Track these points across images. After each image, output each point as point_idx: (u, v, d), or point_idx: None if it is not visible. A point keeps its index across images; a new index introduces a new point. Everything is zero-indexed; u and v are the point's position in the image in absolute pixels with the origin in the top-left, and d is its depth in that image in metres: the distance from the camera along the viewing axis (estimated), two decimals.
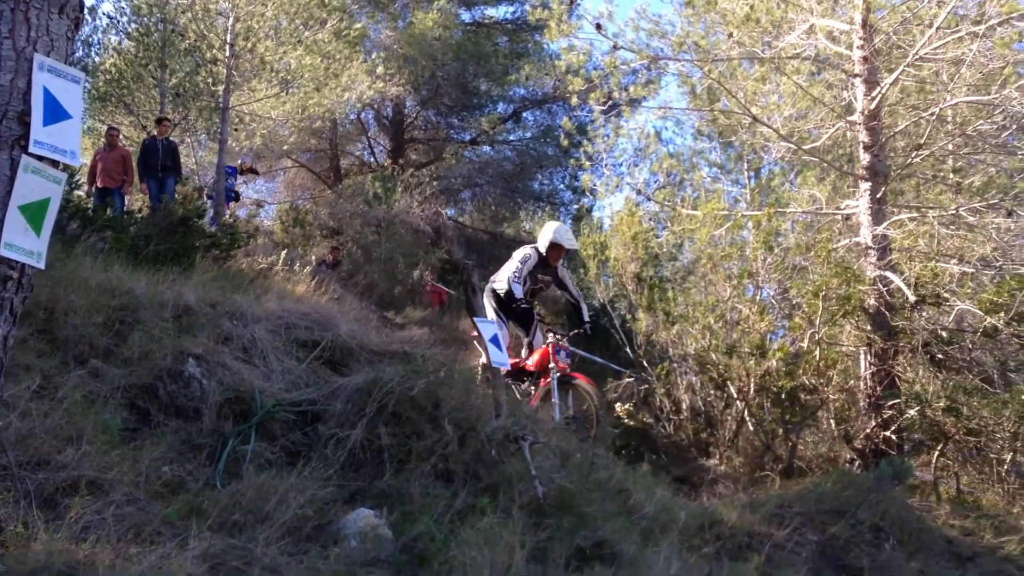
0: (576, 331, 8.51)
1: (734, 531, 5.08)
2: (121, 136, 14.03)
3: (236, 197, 15.84)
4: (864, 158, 8.88)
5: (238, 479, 4.25)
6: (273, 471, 4.30)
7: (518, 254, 8.48)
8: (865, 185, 8.87)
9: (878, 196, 8.81)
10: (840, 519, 5.37)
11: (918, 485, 7.76)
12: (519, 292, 8.13)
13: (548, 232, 8.43)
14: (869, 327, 8.47)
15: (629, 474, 5.59)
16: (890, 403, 7.98)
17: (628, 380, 9.36)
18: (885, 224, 8.73)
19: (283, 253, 12.09)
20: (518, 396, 8.08)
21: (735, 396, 8.32)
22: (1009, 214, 8.46)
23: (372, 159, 24.07)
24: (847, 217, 9.56)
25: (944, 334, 8.21)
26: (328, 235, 17.91)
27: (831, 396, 8.26)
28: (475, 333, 6.07)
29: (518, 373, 8.21)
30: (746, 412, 8.20)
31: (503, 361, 5.31)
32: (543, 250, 8.36)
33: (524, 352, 8.58)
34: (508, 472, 4.56)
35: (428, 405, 4.86)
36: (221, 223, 11.63)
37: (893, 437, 7.99)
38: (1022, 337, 7.84)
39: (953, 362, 8.03)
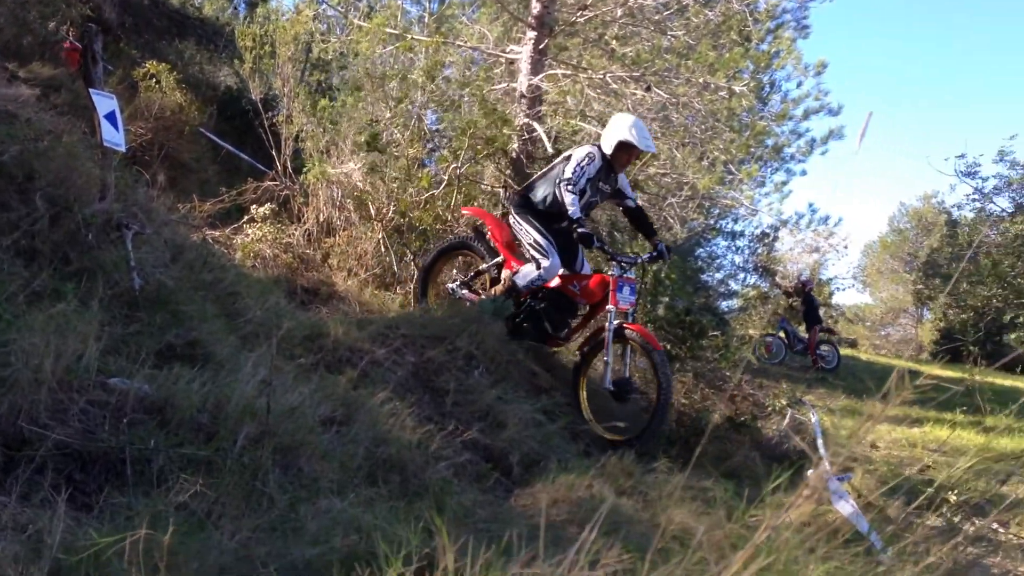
0: (653, 252, 6.49)
1: (337, 345, 5.23)
2: None
3: None
4: (535, 7, 9.08)
5: None
6: None
7: (579, 154, 6.29)
8: (531, 34, 9.12)
9: (541, 47, 9.12)
10: (439, 344, 5.73)
11: None
12: (575, 207, 6.01)
13: (618, 127, 6.25)
14: (509, 171, 8.93)
15: (243, 278, 5.49)
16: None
17: (271, 183, 9.11)
18: (541, 76, 9.09)
19: None
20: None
21: (374, 217, 8.43)
22: (648, 89, 9.17)
23: None
24: (511, 62, 9.81)
25: None
26: None
27: (463, 231, 8.67)
28: None
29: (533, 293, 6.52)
30: (382, 234, 8.35)
31: (118, 142, 4.84)
32: (608, 151, 6.29)
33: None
34: (104, 260, 4.25)
35: (20, 175, 4.35)
36: None
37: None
38: None
39: None
